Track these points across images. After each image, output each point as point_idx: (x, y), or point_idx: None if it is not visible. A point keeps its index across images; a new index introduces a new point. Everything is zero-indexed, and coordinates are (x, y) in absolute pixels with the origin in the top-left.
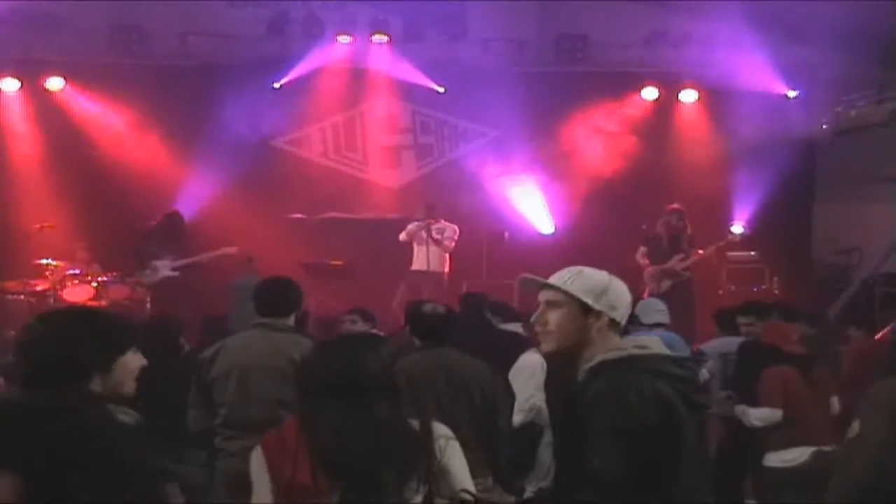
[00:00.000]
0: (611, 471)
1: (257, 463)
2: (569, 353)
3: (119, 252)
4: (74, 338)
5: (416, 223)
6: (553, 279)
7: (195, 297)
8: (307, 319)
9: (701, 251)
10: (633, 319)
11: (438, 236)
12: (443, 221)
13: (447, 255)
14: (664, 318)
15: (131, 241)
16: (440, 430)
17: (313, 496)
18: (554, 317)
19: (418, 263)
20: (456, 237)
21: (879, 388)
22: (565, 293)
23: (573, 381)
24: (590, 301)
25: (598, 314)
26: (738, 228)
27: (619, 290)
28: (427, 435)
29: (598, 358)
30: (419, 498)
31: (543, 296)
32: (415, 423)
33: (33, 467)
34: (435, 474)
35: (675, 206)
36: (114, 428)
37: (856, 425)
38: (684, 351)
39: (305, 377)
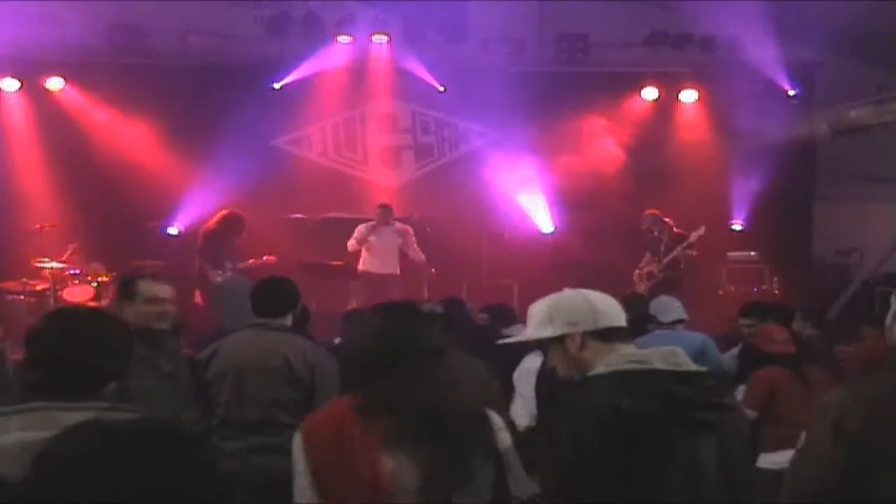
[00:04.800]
0: (547, 483)
1: (297, 450)
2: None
3: (119, 251)
4: (106, 345)
5: (368, 225)
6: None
7: None
8: (308, 318)
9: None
10: (651, 319)
11: (404, 238)
12: (397, 224)
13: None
14: (681, 313)
15: (199, 241)
16: (497, 420)
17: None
18: (550, 356)
19: (375, 266)
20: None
21: (826, 399)
22: (535, 340)
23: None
24: (548, 334)
25: (565, 337)
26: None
27: (566, 304)
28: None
29: (592, 373)
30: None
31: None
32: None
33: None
34: (503, 468)
35: (650, 211)
36: None
37: (802, 436)
38: (713, 352)
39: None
